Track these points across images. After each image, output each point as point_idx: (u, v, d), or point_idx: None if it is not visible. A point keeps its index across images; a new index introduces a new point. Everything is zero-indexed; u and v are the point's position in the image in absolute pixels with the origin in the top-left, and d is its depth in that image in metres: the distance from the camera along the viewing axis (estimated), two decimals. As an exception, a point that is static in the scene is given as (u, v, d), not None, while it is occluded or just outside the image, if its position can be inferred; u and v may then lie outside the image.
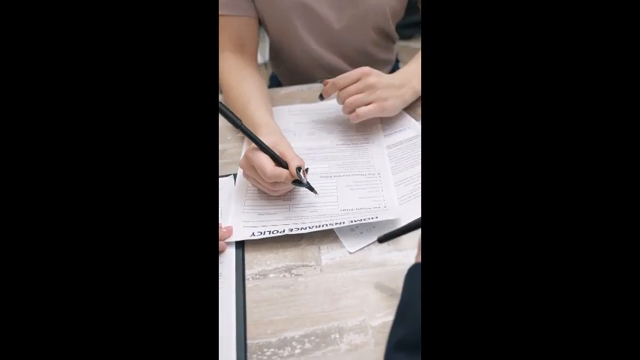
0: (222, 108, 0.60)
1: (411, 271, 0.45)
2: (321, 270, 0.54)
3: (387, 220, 0.57)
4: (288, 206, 0.62)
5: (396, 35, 0.93)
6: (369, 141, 0.73)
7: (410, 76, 0.76)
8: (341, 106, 0.74)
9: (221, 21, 0.83)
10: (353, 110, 0.71)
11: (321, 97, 0.76)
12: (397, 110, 0.74)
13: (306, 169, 0.61)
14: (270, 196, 0.64)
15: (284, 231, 0.57)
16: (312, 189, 0.61)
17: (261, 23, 0.89)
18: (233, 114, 0.61)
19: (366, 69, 0.72)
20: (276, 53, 0.95)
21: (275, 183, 0.60)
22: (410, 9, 0.91)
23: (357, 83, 0.71)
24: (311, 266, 0.55)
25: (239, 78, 0.79)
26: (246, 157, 0.61)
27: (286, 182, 0.59)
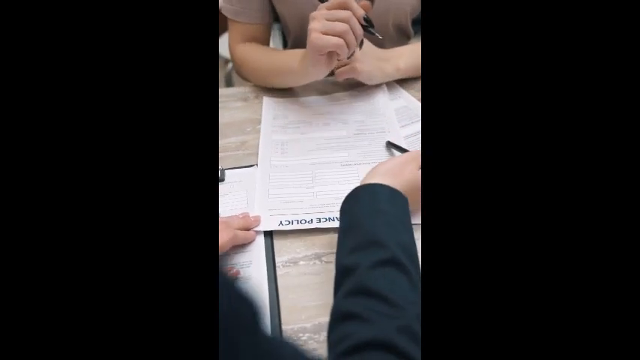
0: None
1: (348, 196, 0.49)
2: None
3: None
4: (313, 194, 0.61)
5: (411, 32, 0.91)
6: (385, 130, 0.72)
7: (398, 54, 0.78)
8: (355, 97, 0.75)
9: (233, 24, 0.84)
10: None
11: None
12: (374, 79, 0.76)
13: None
14: (294, 183, 0.62)
15: (312, 221, 0.56)
16: (369, 30, 0.66)
17: (279, 21, 0.89)
18: None
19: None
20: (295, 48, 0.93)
21: (346, 30, 0.62)
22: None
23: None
24: (340, 253, 0.53)
25: (264, 49, 0.82)
26: (320, 6, 0.66)
27: (357, 15, 0.63)
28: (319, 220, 0.56)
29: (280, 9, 0.83)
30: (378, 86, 0.80)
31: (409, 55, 0.79)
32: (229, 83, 1.64)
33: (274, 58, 0.80)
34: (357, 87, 0.81)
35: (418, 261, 0.44)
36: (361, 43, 0.68)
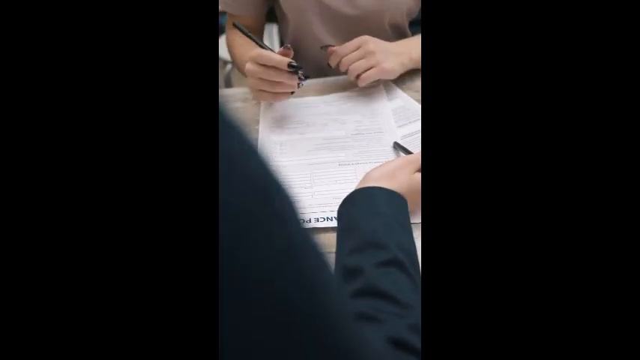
0: (237, 24, 0.71)
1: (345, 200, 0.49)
2: (348, 256, 0.52)
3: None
4: (310, 194, 0.61)
5: (409, 33, 0.91)
6: (382, 131, 0.72)
7: (409, 46, 0.80)
8: (353, 97, 0.77)
9: (230, 15, 0.86)
10: (358, 76, 0.74)
11: (330, 66, 0.78)
12: (396, 73, 0.78)
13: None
14: (292, 184, 0.62)
15: (310, 220, 0.56)
16: (298, 72, 0.69)
17: (276, 20, 0.91)
18: (245, 28, 0.73)
19: (365, 37, 0.75)
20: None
21: (277, 84, 0.68)
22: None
23: (358, 50, 0.74)
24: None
25: (247, 43, 0.81)
26: (251, 57, 0.68)
27: (282, 67, 0.67)
28: (317, 220, 0.56)
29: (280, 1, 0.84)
30: (375, 87, 0.80)
31: (419, 45, 0.81)
32: (228, 84, 1.64)
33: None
34: (355, 87, 0.81)
35: (418, 262, 0.44)
36: (305, 77, 0.71)
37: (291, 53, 0.69)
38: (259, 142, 0.71)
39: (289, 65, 0.67)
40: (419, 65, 0.81)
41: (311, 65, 0.90)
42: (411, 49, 0.80)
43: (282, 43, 0.97)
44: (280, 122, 0.76)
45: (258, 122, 0.76)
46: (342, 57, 0.75)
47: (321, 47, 0.79)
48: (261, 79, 0.68)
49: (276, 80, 0.68)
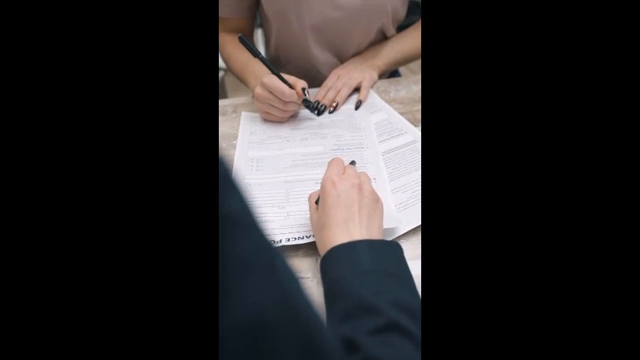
0: (244, 39, 0.67)
1: (326, 257, 0.44)
2: (317, 282, 0.49)
3: (384, 229, 0.52)
4: (285, 214, 0.57)
5: None
6: (363, 146, 0.68)
7: (372, 55, 0.85)
8: (332, 111, 0.77)
9: (220, 18, 0.84)
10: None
11: (320, 113, 0.77)
12: (376, 77, 0.83)
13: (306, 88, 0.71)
14: (265, 202, 0.59)
15: (281, 241, 0.52)
16: (311, 109, 0.74)
17: (262, 26, 0.89)
18: (253, 46, 0.68)
19: (335, 70, 0.81)
20: (274, 60, 0.90)
21: (287, 103, 0.70)
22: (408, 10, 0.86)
23: (340, 78, 0.79)
24: (307, 278, 0.49)
25: (239, 46, 0.78)
26: (263, 84, 0.69)
27: (297, 102, 0.71)
28: (288, 240, 0.52)
29: (265, 5, 0.81)
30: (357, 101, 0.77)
31: (385, 55, 0.85)
32: (222, 94, 1.62)
33: (242, 68, 0.81)
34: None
35: (419, 311, 0.38)
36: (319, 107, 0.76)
37: (306, 94, 0.72)
38: (236, 158, 0.68)
39: (304, 101, 0.72)
40: (386, 71, 0.86)
41: (293, 69, 0.87)
42: (375, 59, 0.84)
43: (266, 47, 0.94)
44: (259, 137, 0.72)
45: (235, 136, 0.73)
46: (328, 91, 0.78)
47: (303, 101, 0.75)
48: (270, 104, 0.71)
49: (286, 109, 0.71)
